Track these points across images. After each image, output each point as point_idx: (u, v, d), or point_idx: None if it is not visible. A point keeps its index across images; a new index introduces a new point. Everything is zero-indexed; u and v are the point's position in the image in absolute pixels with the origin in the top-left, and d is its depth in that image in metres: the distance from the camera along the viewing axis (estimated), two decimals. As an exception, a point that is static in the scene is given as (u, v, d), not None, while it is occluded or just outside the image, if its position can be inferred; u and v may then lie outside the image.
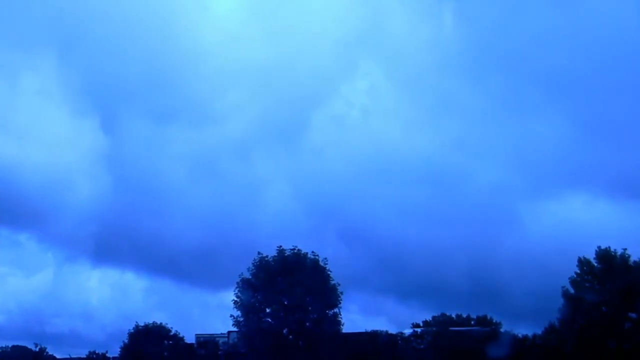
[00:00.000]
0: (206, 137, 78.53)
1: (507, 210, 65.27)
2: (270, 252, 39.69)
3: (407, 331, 41.91)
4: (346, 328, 40.15)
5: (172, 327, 46.31)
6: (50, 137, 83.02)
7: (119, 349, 46.33)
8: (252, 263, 39.58)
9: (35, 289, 74.40)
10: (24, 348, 52.31)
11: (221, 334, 46.72)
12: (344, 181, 71.94)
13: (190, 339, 47.55)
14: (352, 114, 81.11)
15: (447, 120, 78.24)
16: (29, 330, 65.85)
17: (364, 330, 40.99)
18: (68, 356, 48.81)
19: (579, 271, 35.82)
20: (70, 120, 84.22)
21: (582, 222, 59.45)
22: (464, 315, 56.95)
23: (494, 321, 49.96)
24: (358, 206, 68.15)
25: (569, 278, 35.69)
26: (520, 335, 37.32)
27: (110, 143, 77.68)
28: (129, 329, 46.14)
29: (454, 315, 57.12)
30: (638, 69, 68.61)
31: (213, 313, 69.45)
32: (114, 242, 69.30)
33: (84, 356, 47.89)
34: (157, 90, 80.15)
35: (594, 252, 35.77)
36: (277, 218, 67.74)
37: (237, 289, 39.27)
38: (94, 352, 47.55)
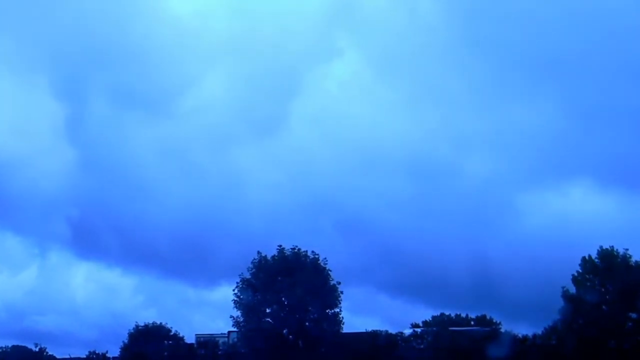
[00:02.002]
0: (180, 125, 76.83)
1: (500, 202, 64.00)
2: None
3: (407, 331, 41.86)
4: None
5: (172, 327, 46.50)
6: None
7: (119, 349, 46.43)
8: (252, 262, 39.70)
9: (13, 283, 71.95)
10: (24, 348, 52.24)
11: (221, 334, 46.73)
12: (330, 173, 70.28)
13: (190, 339, 47.65)
14: (333, 102, 79.10)
15: (432, 109, 76.25)
16: (10, 329, 64.27)
17: (363, 330, 40.94)
18: (68, 356, 48.75)
19: (580, 270, 35.80)
20: (25, 95, 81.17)
21: (577, 214, 58.48)
22: (463, 315, 57.02)
23: (494, 321, 50.06)
24: (347, 199, 66.32)
25: (571, 275, 35.65)
26: (520, 335, 37.23)
27: (74, 125, 75.37)
28: (129, 329, 46.26)
29: (453, 315, 57.21)
30: (630, 49, 64.68)
31: (200, 308, 69.02)
32: (91, 233, 68.24)
33: (84, 356, 47.78)
34: (125, 72, 78.25)
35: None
36: (262, 211, 66.39)
37: (237, 288, 39.39)
38: (94, 352, 47.45)
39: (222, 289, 57.55)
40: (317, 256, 39.15)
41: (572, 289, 35.65)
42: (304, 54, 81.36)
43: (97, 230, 68.59)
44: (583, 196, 61.04)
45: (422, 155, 69.36)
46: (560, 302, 35.35)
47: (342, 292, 38.93)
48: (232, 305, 39.17)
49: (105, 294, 72.82)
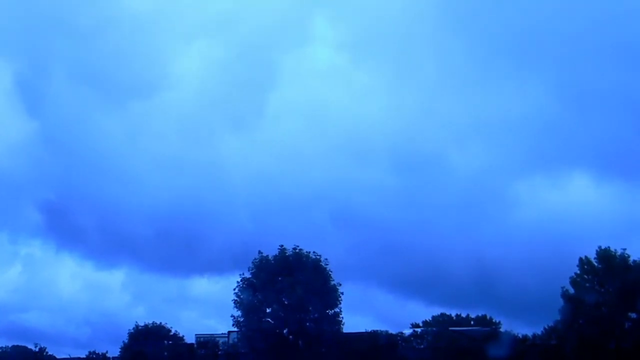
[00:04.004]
0: (158, 113, 74.36)
1: (493, 196, 61.87)
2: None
3: (407, 331, 41.92)
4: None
5: (172, 327, 46.52)
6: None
7: (118, 349, 46.46)
8: (253, 262, 39.77)
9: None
10: (24, 348, 52.32)
11: (221, 334, 46.78)
12: (316, 164, 68.12)
13: (190, 339, 47.67)
14: (312, 90, 76.09)
15: (416, 97, 72.77)
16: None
17: (363, 330, 41.03)
18: (68, 356, 48.85)
19: (578, 271, 35.84)
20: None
21: (574, 207, 57.02)
22: (464, 315, 57.03)
23: (494, 321, 50.11)
24: (334, 192, 64.07)
25: (570, 278, 35.68)
26: (520, 335, 37.30)
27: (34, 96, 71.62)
28: (129, 329, 46.26)
29: (453, 315, 57.21)
30: (625, 31, 60.73)
31: (186, 301, 67.85)
32: (67, 222, 66.51)
33: (84, 356, 47.86)
34: (92, 52, 74.64)
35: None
36: (246, 203, 64.38)
37: (237, 288, 39.47)
38: (94, 352, 47.57)
39: (208, 282, 57.31)
40: (318, 257, 39.27)
41: (572, 289, 35.71)
42: (280, 40, 79.72)
43: (72, 219, 66.59)
44: (579, 188, 59.10)
45: (409, 145, 66.48)
46: (559, 299, 35.39)
47: (342, 293, 39.10)
48: (232, 304, 39.31)
49: (87, 288, 71.19)
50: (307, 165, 68.65)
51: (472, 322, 54.85)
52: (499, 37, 70.20)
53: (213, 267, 56.88)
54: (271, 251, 39.90)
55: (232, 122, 74.75)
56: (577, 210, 56.61)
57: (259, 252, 39.80)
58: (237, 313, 39.03)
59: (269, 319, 38.91)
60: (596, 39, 63.09)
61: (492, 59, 71.07)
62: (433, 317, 55.50)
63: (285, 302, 38.58)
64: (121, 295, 68.52)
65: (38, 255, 77.63)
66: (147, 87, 73.62)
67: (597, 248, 35.42)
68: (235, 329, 40.92)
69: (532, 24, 67.09)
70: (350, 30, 79.66)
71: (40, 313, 66.12)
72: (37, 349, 50.22)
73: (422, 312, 68.10)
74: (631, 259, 34.45)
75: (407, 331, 41.86)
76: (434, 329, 44.02)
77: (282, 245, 39.62)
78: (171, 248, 62.66)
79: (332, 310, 38.89)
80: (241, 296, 38.96)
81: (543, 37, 66.82)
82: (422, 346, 39.16)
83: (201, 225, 64.28)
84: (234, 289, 39.35)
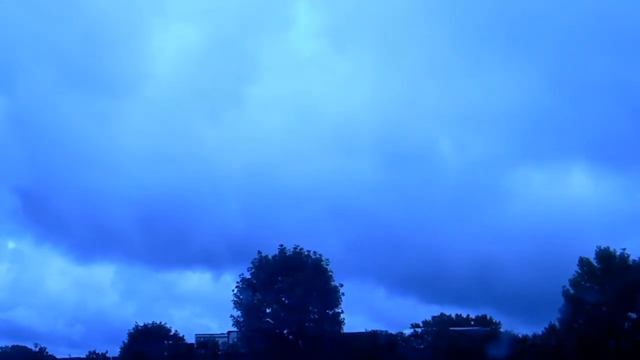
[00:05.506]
0: (143, 104, 72.82)
1: (485, 189, 60.64)
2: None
3: (407, 331, 41.94)
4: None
5: (171, 327, 46.52)
6: None
7: (119, 349, 46.41)
8: (252, 262, 39.71)
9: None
10: (24, 348, 52.40)
11: (221, 334, 46.78)
12: (304, 159, 66.48)
13: (190, 339, 47.67)
14: (294, 79, 74.82)
15: (403, 86, 70.59)
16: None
17: (364, 330, 41.01)
18: (68, 356, 48.87)
19: (579, 270, 35.82)
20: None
21: (572, 201, 55.96)
22: (464, 315, 57.02)
23: (494, 321, 50.08)
24: (321, 186, 62.82)
25: (569, 277, 35.68)
26: (520, 335, 37.32)
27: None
28: (129, 329, 46.25)
29: (453, 315, 57.19)
30: (620, 16, 59.84)
31: (171, 295, 66.96)
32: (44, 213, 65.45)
33: (84, 356, 47.89)
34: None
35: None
36: (231, 196, 63.62)
37: (237, 288, 39.42)
38: (94, 352, 47.58)
39: (200, 278, 56.78)
40: (318, 256, 39.21)
41: (571, 289, 35.67)
42: (260, 26, 78.02)
43: (60, 214, 66.03)
44: (576, 181, 58.15)
45: (397, 137, 64.77)
46: (559, 298, 35.37)
47: (343, 294, 39.03)
48: (226, 300, 39.46)
49: (77, 285, 70.85)
50: (294, 158, 67.85)
51: (472, 322, 54.85)
52: (489, 24, 67.97)
53: (204, 262, 56.55)
54: (261, 246, 40.24)
55: (213, 113, 73.42)
56: (574, 204, 55.73)
57: (259, 252, 39.85)
58: (237, 313, 39.07)
59: (269, 319, 38.89)
60: (590, 27, 61.80)
61: (482, 46, 69.14)
62: (433, 317, 55.52)
63: (285, 303, 38.56)
64: (111, 292, 68.23)
65: (18, 248, 76.59)
66: (126, 77, 72.84)
67: (596, 247, 35.51)
68: (235, 329, 40.89)
69: (523, 10, 65.10)
70: (333, 16, 77.58)
71: (28, 310, 65.45)
72: (37, 349, 50.26)
73: (421, 310, 67.55)
74: (631, 258, 34.53)
75: (407, 331, 41.88)
76: (434, 329, 44.04)
77: (282, 245, 39.70)
78: (160, 242, 62.44)
79: (333, 311, 38.86)
80: (241, 296, 38.93)
81: (535, 24, 65.06)
82: (422, 346, 39.17)
83: (189, 221, 63.79)
84: (234, 289, 39.42)
